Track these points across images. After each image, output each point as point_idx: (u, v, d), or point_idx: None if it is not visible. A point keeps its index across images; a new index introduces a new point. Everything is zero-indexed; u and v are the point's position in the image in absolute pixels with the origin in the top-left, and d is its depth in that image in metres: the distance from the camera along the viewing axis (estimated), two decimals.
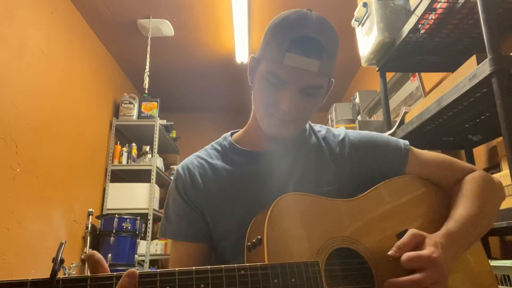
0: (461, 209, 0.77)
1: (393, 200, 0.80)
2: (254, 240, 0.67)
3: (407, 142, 0.89)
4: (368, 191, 0.80)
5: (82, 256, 2.93)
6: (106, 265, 0.53)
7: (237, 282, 0.55)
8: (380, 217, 0.76)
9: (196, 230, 0.84)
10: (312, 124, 0.94)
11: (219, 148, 0.92)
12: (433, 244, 0.66)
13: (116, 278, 0.50)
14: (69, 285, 0.47)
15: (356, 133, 0.90)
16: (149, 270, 0.52)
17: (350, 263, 0.70)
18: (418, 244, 0.67)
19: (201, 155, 0.90)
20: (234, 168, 0.86)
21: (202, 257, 0.85)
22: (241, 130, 0.94)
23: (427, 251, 0.64)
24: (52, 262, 0.46)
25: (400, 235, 0.73)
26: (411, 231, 0.68)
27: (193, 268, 0.54)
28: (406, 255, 0.64)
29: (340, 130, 0.92)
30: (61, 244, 0.48)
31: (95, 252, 0.53)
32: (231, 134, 0.95)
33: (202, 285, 0.53)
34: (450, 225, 0.74)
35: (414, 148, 0.89)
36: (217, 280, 0.54)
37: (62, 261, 0.47)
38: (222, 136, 0.95)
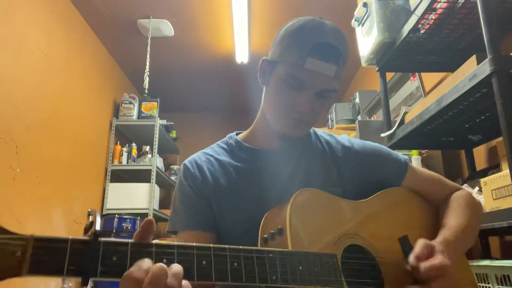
0: (454, 220, 0.83)
1: (393, 208, 0.86)
2: (273, 231, 0.68)
3: (406, 158, 0.95)
4: (373, 196, 0.84)
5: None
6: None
7: (267, 264, 0.57)
8: (384, 220, 0.82)
9: (205, 219, 0.85)
10: (316, 129, 0.98)
11: (225, 146, 0.94)
12: (442, 252, 0.70)
13: (156, 246, 0.50)
14: (111, 247, 0.47)
15: (359, 141, 0.95)
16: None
17: (361, 259, 0.73)
18: (430, 253, 0.70)
19: (208, 152, 0.93)
20: (241, 165, 0.88)
21: None
22: (247, 130, 0.97)
23: (440, 260, 0.68)
24: (86, 230, 0.45)
25: (401, 239, 0.80)
26: (423, 241, 0.72)
27: (211, 245, 0.54)
28: (425, 266, 0.67)
29: (343, 137, 0.96)
30: (95, 211, 0.47)
31: (153, 221, 0.52)
32: (236, 134, 0.98)
33: (235, 263, 0.54)
34: (446, 233, 0.80)
35: (411, 165, 0.96)
36: (248, 260, 0.56)
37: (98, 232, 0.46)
38: (228, 135, 0.97)
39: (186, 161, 0.91)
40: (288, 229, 0.66)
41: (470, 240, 0.85)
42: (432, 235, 0.81)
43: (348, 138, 0.96)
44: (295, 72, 0.77)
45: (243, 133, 0.97)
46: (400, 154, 0.95)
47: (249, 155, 0.90)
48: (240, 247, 0.56)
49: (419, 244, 0.71)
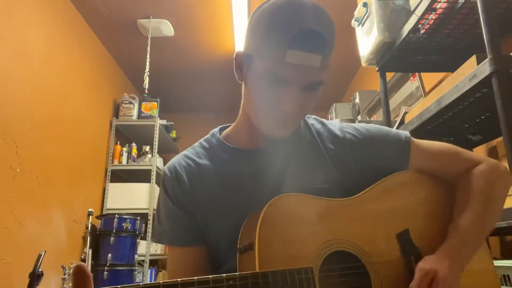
0: (467, 213, 0.74)
1: (392, 199, 0.76)
2: (245, 244, 0.64)
3: (408, 134, 0.84)
4: (367, 189, 0.76)
5: (82, 256, 2.93)
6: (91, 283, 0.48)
7: None
8: (379, 217, 0.73)
9: (192, 233, 0.80)
10: (306, 117, 0.87)
11: (206, 145, 0.86)
12: (445, 277, 0.65)
13: None
14: None
15: (353, 129, 0.84)
16: (133, 284, 0.50)
17: (347, 268, 0.67)
18: (431, 280, 0.65)
19: (189, 155, 0.85)
20: (223, 168, 0.81)
21: (202, 259, 0.81)
22: (231, 127, 0.89)
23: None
24: (29, 277, 0.44)
25: (400, 235, 0.71)
26: (419, 268, 0.66)
27: (179, 280, 0.51)
28: None
29: (335, 125, 0.86)
30: (39, 256, 0.46)
31: (84, 265, 0.47)
32: (220, 130, 0.89)
33: None
34: (454, 236, 0.72)
35: (415, 139, 0.84)
36: None
37: (41, 274, 0.45)
38: (210, 132, 0.89)
39: (166, 168, 0.84)
40: (257, 246, 0.60)
41: (488, 228, 0.76)
42: (442, 224, 0.74)
43: (340, 126, 0.85)
44: (275, 67, 0.67)
45: (227, 130, 0.88)
46: (401, 132, 0.84)
47: (232, 156, 0.82)
48: (195, 278, 0.52)
49: (417, 274, 0.65)
